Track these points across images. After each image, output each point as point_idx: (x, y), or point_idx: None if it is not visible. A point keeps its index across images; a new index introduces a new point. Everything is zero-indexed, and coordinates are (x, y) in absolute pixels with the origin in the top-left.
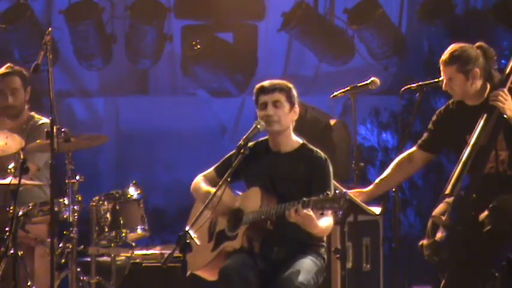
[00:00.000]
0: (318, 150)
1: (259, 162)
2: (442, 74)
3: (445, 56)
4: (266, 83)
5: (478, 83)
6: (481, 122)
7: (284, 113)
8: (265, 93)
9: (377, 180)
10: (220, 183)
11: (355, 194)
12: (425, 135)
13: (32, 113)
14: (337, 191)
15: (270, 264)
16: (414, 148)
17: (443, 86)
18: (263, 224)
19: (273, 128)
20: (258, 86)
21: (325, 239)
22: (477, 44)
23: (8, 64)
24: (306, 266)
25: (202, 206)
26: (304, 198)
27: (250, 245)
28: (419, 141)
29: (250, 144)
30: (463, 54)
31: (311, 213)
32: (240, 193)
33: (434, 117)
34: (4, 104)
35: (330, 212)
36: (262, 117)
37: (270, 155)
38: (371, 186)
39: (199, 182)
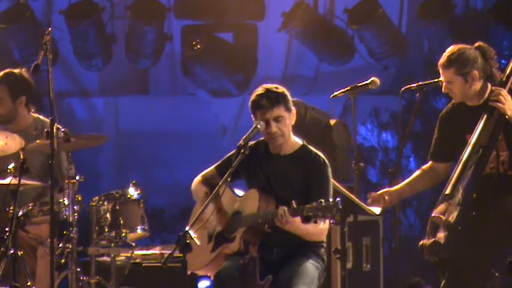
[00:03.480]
0: (318, 152)
1: (258, 163)
2: (441, 77)
3: (443, 59)
4: (261, 97)
5: (478, 85)
6: (482, 122)
7: (286, 125)
8: (264, 110)
9: (404, 182)
10: (220, 184)
11: (382, 193)
12: (433, 145)
13: (36, 116)
14: (330, 200)
15: (268, 266)
16: (430, 163)
17: (443, 88)
18: (261, 227)
19: (278, 142)
20: (252, 100)
21: (324, 239)
22: (476, 44)
23: (6, 70)
24: (308, 273)
25: (202, 206)
26: (300, 205)
27: (247, 248)
28: (430, 155)
29: (250, 143)
30: (461, 57)
31: (298, 219)
32: (240, 193)
33: (437, 123)
34: None
35: (322, 220)
36: (267, 134)
37: (269, 156)
38: (399, 185)
39: (199, 184)
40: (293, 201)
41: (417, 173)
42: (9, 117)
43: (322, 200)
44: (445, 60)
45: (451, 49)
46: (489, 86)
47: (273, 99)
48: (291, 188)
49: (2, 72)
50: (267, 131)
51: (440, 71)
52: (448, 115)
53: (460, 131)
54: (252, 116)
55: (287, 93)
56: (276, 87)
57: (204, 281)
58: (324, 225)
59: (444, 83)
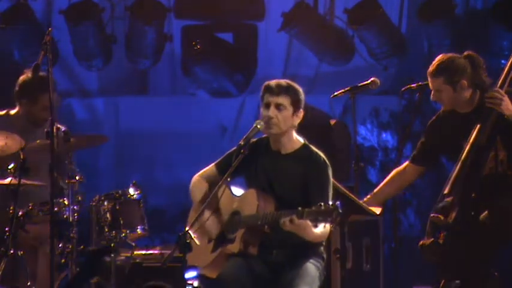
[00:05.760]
0: (319, 152)
1: (258, 162)
2: (430, 85)
3: (431, 67)
4: (274, 83)
5: (467, 93)
6: (479, 124)
7: (285, 116)
8: (270, 94)
9: (372, 193)
10: (219, 184)
11: None
12: (417, 148)
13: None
14: (329, 202)
15: (268, 267)
16: (407, 162)
17: (432, 96)
18: (260, 227)
19: (271, 130)
20: (266, 83)
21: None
22: (465, 53)
23: (42, 73)
24: (309, 273)
25: (201, 206)
26: (299, 208)
27: (247, 248)
28: (412, 155)
29: (252, 140)
30: (450, 66)
31: (306, 221)
32: (238, 192)
33: (426, 128)
34: (44, 117)
35: (322, 224)
36: (264, 117)
37: (270, 155)
38: (367, 196)
39: (197, 184)
40: (299, 208)
41: (387, 179)
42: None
43: (322, 204)
44: (434, 69)
45: (440, 58)
46: (478, 93)
47: (283, 87)
48: (290, 186)
49: (43, 76)
50: (265, 114)
51: (429, 79)
52: (438, 122)
53: (452, 139)
54: (260, 99)
55: (301, 93)
56: (294, 84)
57: (190, 272)
58: (327, 227)
59: (433, 91)
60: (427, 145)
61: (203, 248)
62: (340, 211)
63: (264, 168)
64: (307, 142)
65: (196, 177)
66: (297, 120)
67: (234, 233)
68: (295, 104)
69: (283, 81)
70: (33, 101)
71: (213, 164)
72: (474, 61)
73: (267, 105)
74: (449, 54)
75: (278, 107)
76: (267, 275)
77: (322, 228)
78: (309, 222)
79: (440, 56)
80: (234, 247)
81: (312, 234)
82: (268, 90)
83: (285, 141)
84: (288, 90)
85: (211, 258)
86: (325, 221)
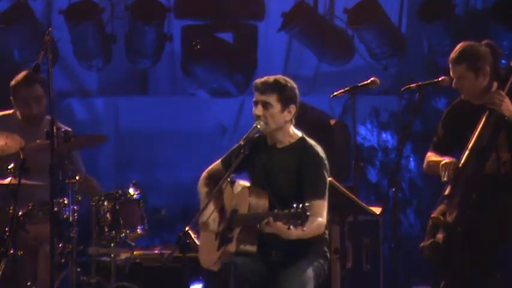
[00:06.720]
0: (315, 144)
1: (257, 157)
2: (451, 73)
3: (454, 54)
4: (261, 81)
5: (486, 82)
6: (482, 122)
7: (273, 113)
8: (257, 92)
9: None
10: (220, 183)
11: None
12: (436, 137)
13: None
14: (300, 205)
15: (267, 266)
16: (431, 151)
17: (453, 84)
18: (253, 227)
19: (262, 128)
20: (255, 81)
21: (325, 232)
22: (485, 41)
23: (27, 71)
24: (305, 273)
25: (202, 206)
26: (275, 211)
27: (244, 247)
28: (434, 146)
29: (254, 137)
30: (473, 52)
31: (281, 223)
32: (239, 188)
33: (443, 118)
34: (28, 113)
35: (295, 227)
36: (253, 115)
37: (267, 150)
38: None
39: (202, 184)
40: (275, 210)
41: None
42: (43, 116)
43: (294, 206)
44: (457, 56)
45: (462, 45)
46: (495, 84)
47: (268, 85)
48: (285, 180)
49: (26, 73)
50: (253, 111)
51: (451, 66)
52: (454, 111)
53: (463, 130)
54: None
55: (291, 88)
56: (285, 80)
57: (196, 285)
58: (319, 221)
59: (454, 79)
60: (446, 134)
61: (211, 245)
62: (308, 214)
63: (262, 164)
64: (304, 135)
65: (204, 174)
66: (289, 116)
67: (232, 232)
68: (283, 101)
69: (271, 78)
70: (14, 96)
71: (219, 159)
72: (495, 50)
73: (255, 104)
74: (470, 42)
75: (265, 105)
76: (265, 273)
77: (313, 223)
78: (283, 224)
79: (462, 43)
80: (232, 247)
81: (294, 234)
82: (256, 88)
83: (280, 136)
84: (274, 88)
85: (216, 257)
86: (296, 224)
